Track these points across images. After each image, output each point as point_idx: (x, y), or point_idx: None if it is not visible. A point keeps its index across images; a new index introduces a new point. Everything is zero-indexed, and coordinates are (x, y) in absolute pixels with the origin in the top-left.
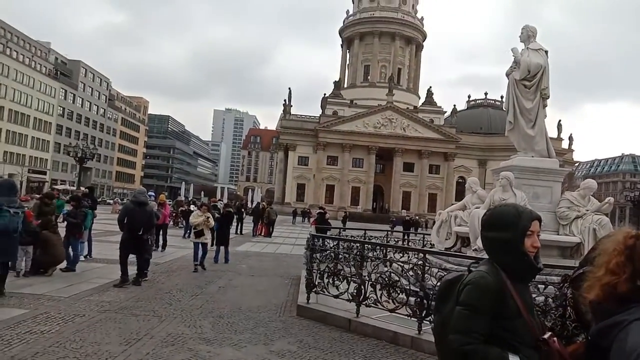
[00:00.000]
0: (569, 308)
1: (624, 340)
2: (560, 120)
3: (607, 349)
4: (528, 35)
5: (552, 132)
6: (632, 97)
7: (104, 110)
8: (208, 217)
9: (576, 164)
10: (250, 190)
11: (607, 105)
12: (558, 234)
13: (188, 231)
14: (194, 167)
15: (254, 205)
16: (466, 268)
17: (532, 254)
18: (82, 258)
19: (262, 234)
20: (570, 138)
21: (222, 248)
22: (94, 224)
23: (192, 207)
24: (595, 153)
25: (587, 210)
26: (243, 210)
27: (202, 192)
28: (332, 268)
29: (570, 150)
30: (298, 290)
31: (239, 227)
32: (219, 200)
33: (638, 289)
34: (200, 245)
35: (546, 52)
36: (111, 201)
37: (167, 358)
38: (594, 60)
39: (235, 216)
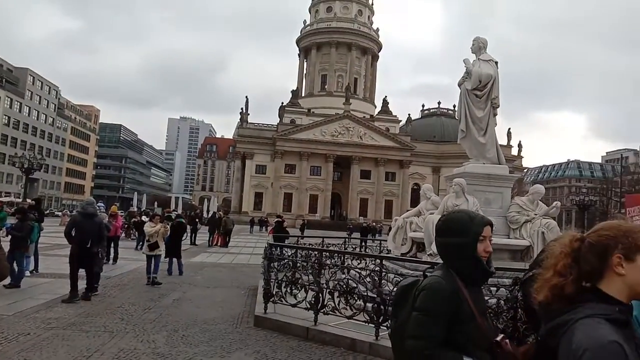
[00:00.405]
0: (519, 310)
1: (570, 339)
2: (510, 129)
3: (556, 348)
4: (479, 46)
5: (502, 140)
6: (574, 106)
7: (53, 119)
8: (165, 226)
9: (525, 170)
10: (206, 199)
11: (553, 114)
12: (509, 238)
13: (141, 243)
14: (147, 177)
15: (210, 214)
16: (422, 273)
17: (485, 258)
18: (27, 273)
19: (219, 244)
20: (519, 145)
21: (174, 260)
22: (41, 237)
23: (144, 218)
24: (542, 159)
25: (536, 215)
26: (197, 220)
27: (156, 203)
28: (290, 277)
29: (519, 156)
30: (255, 301)
31: (193, 238)
32: (173, 210)
33: (584, 289)
34: (153, 258)
35: (496, 62)
36: (60, 213)
37: None
38: (538, 70)
39: (189, 227)
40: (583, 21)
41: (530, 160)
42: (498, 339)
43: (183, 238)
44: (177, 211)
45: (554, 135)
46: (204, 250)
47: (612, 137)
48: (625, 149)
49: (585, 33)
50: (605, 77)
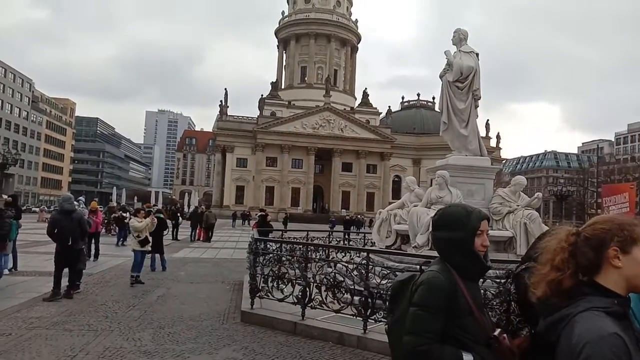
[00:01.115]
0: (513, 303)
1: (571, 333)
2: (488, 120)
3: (555, 342)
4: (460, 38)
5: (481, 131)
6: (548, 97)
7: (27, 112)
8: (153, 219)
9: (503, 161)
10: (186, 193)
11: (527, 105)
12: (492, 229)
13: (122, 239)
14: (126, 171)
15: (191, 209)
16: (408, 265)
17: (482, 252)
18: (6, 272)
19: (201, 239)
20: (498, 136)
21: (157, 256)
22: (19, 234)
23: (123, 213)
24: (520, 150)
25: (518, 206)
26: (179, 215)
27: (135, 197)
28: (276, 271)
29: (498, 148)
30: (241, 296)
31: (175, 233)
32: (154, 205)
33: (582, 283)
34: (141, 254)
35: (477, 54)
36: (37, 209)
37: None
38: (511, 62)
39: (171, 222)
40: (551, 13)
41: (508, 151)
42: (496, 333)
43: (164, 233)
44: (157, 206)
45: (529, 127)
46: (187, 245)
47: (586, 128)
48: (600, 140)
49: (553, 25)
50: (575, 68)
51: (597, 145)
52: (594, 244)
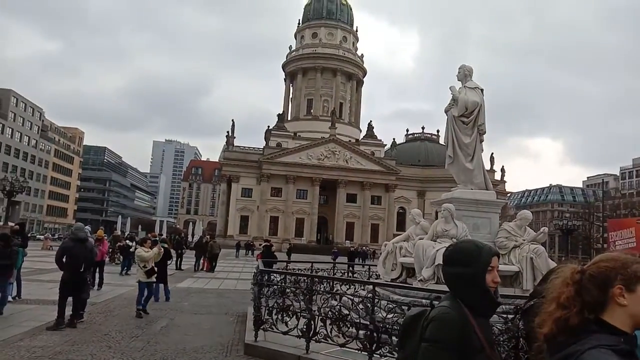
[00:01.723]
0: (521, 339)
1: None
2: (492, 153)
3: None
4: (465, 74)
5: (486, 165)
6: (552, 132)
7: (36, 141)
8: (160, 248)
9: (508, 195)
10: (191, 223)
11: (529, 140)
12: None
13: (125, 268)
14: (131, 200)
15: (195, 238)
16: (414, 298)
17: (493, 289)
18: (10, 299)
19: (205, 269)
20: (502, 170)
21: (160, 285)
22: (24, 262)
23: (128, 242)
24: (524, 184)
25: (524, 240)
26: (184, 245)
27: (140, 226)
28: (280, 303)
29: (502, 181)
30: (245, 328)
31: (178, 263)
32: (159, 234)
33: (588, 320)
34: (146, 286)
35: (482, 90)
36: (42, 237)
37: None
38: (512, 97)
39: (176, 251)
40: (549, 49)
41: (513, 185)
42: None
43: (169, 263)
44: (162, 235)
45: (533, 161)
46: (190, 275)
47: (590, 162)
48: (605, 174)
49: (553, 60)
50: (576, 103)
51: (602, 179)
52: (598, 282)
